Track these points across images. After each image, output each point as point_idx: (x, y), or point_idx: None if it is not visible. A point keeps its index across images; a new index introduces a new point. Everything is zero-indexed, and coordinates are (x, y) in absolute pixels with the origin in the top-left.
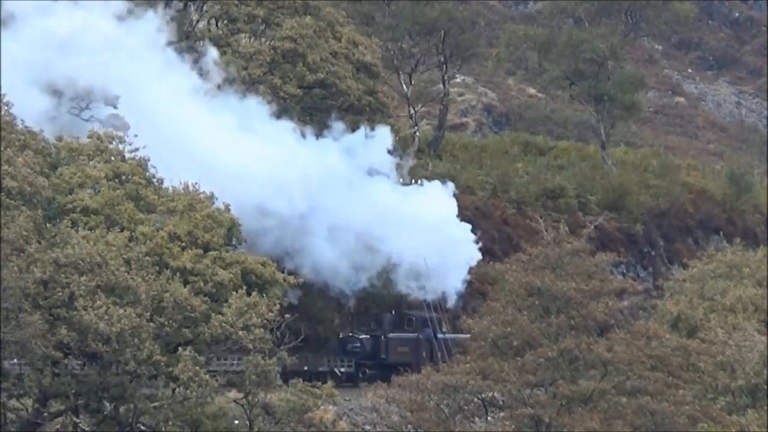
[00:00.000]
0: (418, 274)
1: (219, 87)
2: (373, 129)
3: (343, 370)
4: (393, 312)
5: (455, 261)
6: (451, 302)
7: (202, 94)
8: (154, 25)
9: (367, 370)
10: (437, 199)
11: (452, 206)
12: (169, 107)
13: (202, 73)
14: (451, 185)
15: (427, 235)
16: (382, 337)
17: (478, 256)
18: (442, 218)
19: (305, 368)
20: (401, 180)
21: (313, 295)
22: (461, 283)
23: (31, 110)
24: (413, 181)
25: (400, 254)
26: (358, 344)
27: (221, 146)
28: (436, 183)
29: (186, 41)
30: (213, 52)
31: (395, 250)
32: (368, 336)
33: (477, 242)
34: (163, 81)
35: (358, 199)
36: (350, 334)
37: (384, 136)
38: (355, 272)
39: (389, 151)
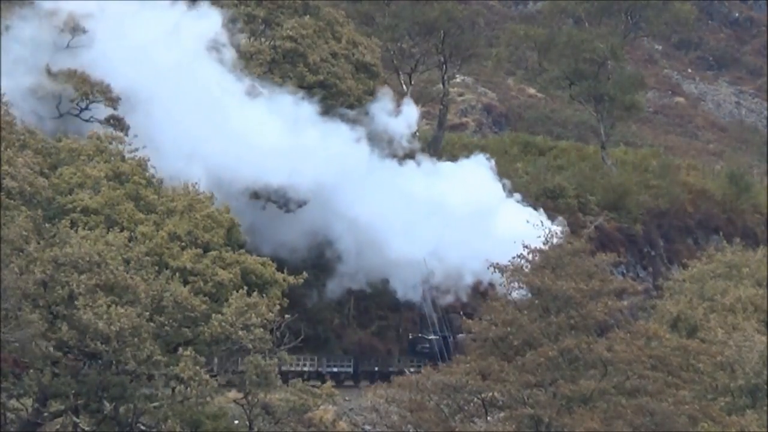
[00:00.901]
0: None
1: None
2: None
3: (412, 370)
4: (461, 313)
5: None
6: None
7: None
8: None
9: None
10: (478, 181)
11: (496, 187)
12: (202, 84)
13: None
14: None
15: (468, 226)
16: (451, 337)
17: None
18: (485, 204)
19: (376, 369)
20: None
21: (313, 295)
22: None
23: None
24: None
25: (438, 252)
26: (428, 345)
27: (250, 123)
28: (476, 159)
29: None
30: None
31: (432, 249)
32: (437, 336)
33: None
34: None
35: (384, 189)
36: (419, 335)
37: (410, 113)
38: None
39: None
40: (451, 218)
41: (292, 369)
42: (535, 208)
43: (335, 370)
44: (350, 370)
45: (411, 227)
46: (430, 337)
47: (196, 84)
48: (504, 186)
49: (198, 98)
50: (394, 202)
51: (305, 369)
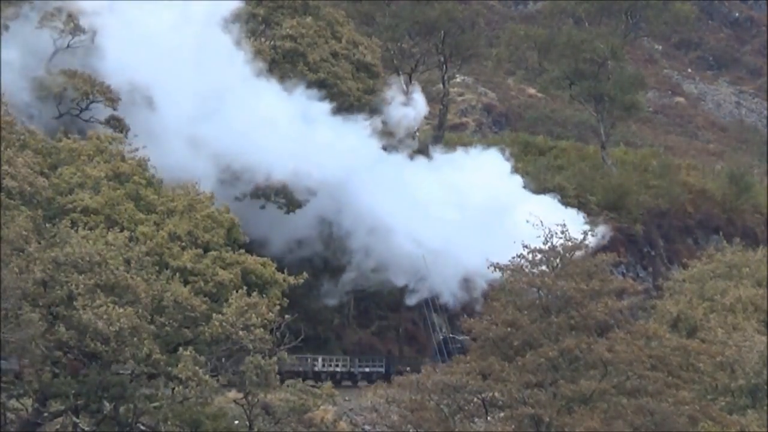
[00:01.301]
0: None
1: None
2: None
3: None
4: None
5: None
6: None
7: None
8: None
9: None
10: (494, 176)
11: (514, 180)
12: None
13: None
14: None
15: (483, 223)
16: None
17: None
18: (501, 201)
19: (407, 369)
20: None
21: (313, 295)
22: None
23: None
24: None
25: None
26: (459, 345)
27: (261, 113)
28: (491, 152)
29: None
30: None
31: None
32: (468, 336)
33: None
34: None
35: (394, 184)
36: (450, 335)
37: (419, 104)
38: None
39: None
40: (465, 214)
41: (324, 369)
42: (580, 208)
43: (367, 370)
44: (382, 370)
45: (422, 224)
46: (460, 338)
47: (205, 70)
48: (526, 185)
49: (206, 86)
50: (404, 199)
51: (338, 369)
